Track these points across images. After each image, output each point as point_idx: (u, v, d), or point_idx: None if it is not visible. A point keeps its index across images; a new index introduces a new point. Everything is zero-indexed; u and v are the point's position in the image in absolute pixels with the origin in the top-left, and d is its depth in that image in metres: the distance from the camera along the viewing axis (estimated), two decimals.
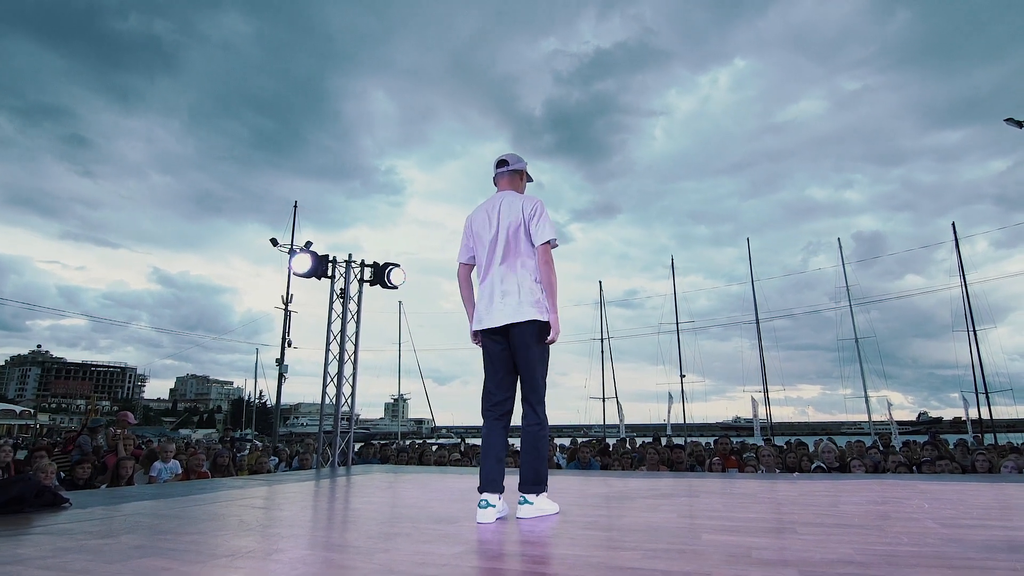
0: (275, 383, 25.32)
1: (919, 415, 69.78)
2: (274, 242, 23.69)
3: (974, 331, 27.74)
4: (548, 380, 3.04)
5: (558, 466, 8.13)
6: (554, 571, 1.90)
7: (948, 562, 1.88)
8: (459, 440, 17.55)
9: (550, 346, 3.00)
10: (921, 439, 11.48)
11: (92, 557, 2.07)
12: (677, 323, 34.39)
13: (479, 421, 3.14)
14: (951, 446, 8.88)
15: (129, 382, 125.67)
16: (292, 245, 23.96)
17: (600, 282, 38.63)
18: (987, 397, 27.20)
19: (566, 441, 11.34)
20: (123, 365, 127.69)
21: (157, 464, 6.42)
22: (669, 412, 32.80)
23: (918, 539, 2.26)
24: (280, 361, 24.29)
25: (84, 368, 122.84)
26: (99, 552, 2.16)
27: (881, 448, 8.74)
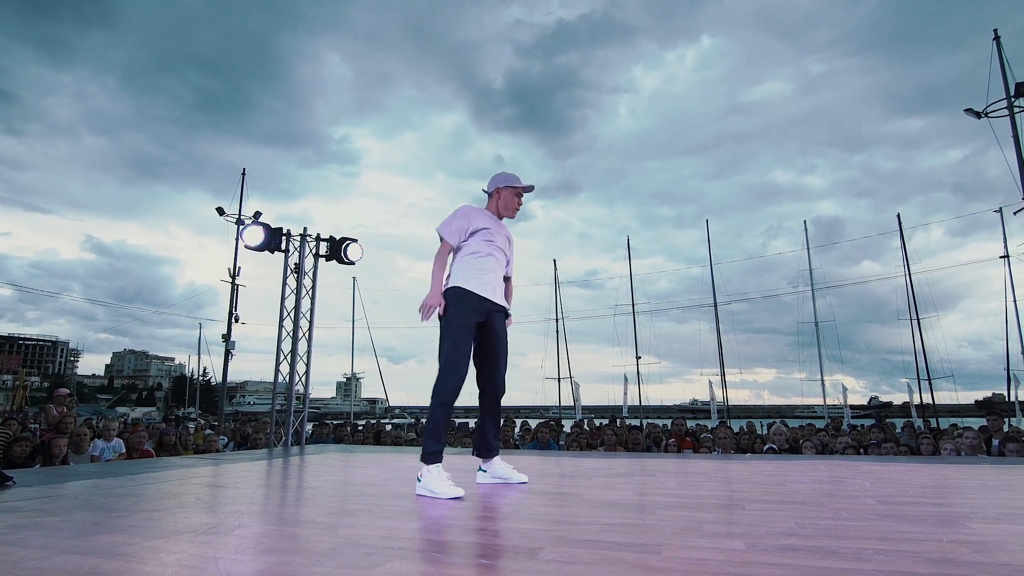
0: (219, 360, 24.66)
1: (870, 399, 72.09)
2: (220, 211, 22.91)
3: (918, 319, 28.96)
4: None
5: (516, 446, 8.26)
6: (515, 543, 1.96)
7: (883, 534, 2.02)
8: (413, 420, 17.53)
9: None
10: (868, 423, 12.08)
11: (49, 534, 2.01)
12: (633, 305, 35.07)
13: None
14: (898, 429, 9.38)
15: (61, 357, 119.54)
16: (240, 215, 23.25)
17: (555, 261, 38.89)
18: (930, 383, 28.44)
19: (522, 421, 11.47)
20: (54, 339, 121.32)
21: (99, 443, 6.19)
22: (625, 394, 33.45)
23: (857, 515, 2.42)
24: (227, 337, 23.57)
25: (11, 341, 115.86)
26: (56, 529, 2.10)
27: (832, 431, 9.16)
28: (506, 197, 3.44)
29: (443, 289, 3.17)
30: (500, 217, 3.48)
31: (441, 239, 3.28)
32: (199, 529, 2.11)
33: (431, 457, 3.00)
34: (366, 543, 1.90)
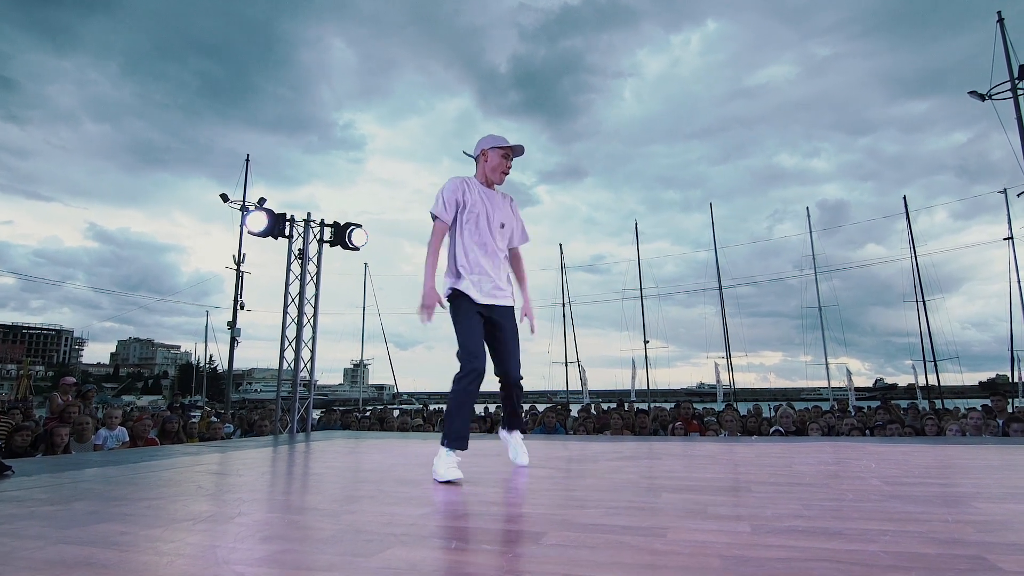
0: (226, 347, 24.64)
1: (875, 381, 71.83)
2: (224, 198, 22.79)
3: (923, 301, 28.95)
4: None
5: (523, 431, 8.24)
6: (518, 528, 1.94)
7: (888, 515, 2.00)
8: (421, 406, 17.58)
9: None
10: (874, 404, 12.08)
11: (46, 523, 2.00)
12: (641, 289, 35.08)
13: (442, 387, 3.25)
14: (903, 410, 9.36)
15: (65, 345, 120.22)
16: (244, 202, 23.14)
17: (560, 245, 38.56)
18: (935, 365, 28.48)
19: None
20: (58, 327, 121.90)
21: (103, 431, 6.21)
22: (633, 378, 33.45)
23: (863, 495, 2.40)
24: (232, 324, 23.62)
25: (15, 330, 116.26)
26: (52, 518, 2.09)
27: (837, 413, 9.16)
28: (492, 159, 3.19)
29: (438, 286, 3.07)
30: (490, 184, 3.25)
31: (434, 219, 3.12)
32: (199, 517, 2.10)
33: (450, 443, 2.96)
34: (368, 530, 1.88)
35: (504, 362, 3.24)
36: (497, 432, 3.61)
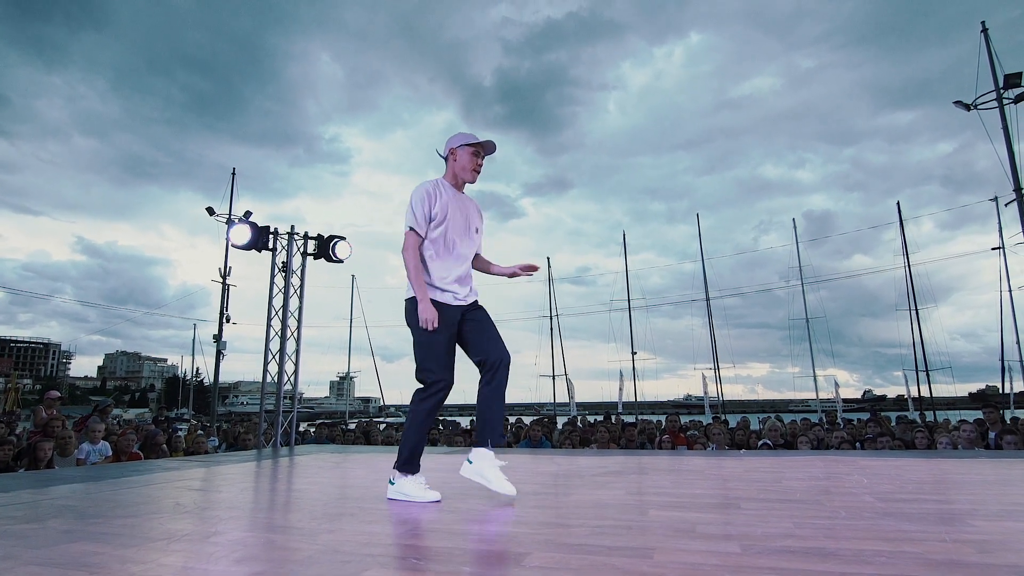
0: (212, 360, 24.38)
1: (864, 393, 72.02)
2: (210, 211, 22.70)
3: (916, 311, 28.86)
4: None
5: (509, 444, 8.19)
6: (501, 548, 1.89)
7: (883, 534, 1.96)
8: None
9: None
10: (862, 416, 12.06)
11: (17, 542, 1.93)
12: (629, 301, 35.12)
13: None
14: (893, 423, 9.33)
15: (53, 359, 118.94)
16: (230, 215, 23.07)
17: (548, 258, 38.68)
18: (927, 375, 28.31)
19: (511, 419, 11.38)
20: (46, 341, 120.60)
21: (85, 446, 6.08)
22: (621, 390, 33.38)
23: (856, 513, 2.36)
24: (218, 337, 23.40)
25: (2, 344, 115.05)
26: (25, 537, 2.02)
27: (826, 425, 9.12)
28: (462, 158, 2.99)
29: (409, 296, 2.89)
30: (461, 185, 3.05)
31: (411, 231, 2.89)
32: (174, 536, 2.03)
33: (404, 466, 2.89)
34: (346, 550, 1.82)
35: (484, 341, 2.92)
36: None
